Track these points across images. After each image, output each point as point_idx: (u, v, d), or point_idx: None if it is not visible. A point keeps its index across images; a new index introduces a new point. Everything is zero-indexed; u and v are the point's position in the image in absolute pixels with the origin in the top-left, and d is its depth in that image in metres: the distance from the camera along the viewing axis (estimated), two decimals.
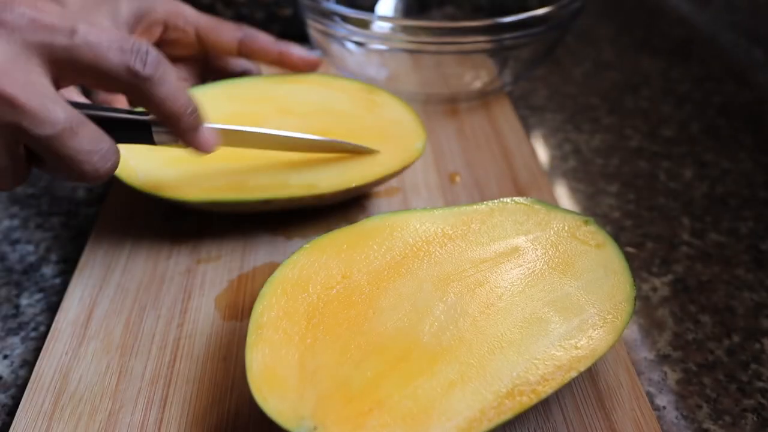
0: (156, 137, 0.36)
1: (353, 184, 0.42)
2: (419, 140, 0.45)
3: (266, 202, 0.41)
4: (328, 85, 0.47)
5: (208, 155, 0.39)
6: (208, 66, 0.50)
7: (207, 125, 0.37)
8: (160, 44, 0.46)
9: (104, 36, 0.32)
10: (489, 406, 0.28)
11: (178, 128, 0.35)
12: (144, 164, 0.42)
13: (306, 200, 0.42)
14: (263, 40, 0.47)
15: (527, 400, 0.29)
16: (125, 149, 0.40)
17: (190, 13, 0.46)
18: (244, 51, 0.47)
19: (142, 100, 0.34)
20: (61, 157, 0.31)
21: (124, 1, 0.43)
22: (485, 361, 0.30)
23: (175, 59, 0.47)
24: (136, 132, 0.36)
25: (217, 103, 0.45)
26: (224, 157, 0.42)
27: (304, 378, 0.29)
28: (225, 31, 0.46)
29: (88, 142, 0.32)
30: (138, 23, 0.44)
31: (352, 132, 0.45)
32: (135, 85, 0.33)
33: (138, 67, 0.32)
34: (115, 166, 0.34)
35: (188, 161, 0.42)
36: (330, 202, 0.44)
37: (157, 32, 0.46)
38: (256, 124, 0.44)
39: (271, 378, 0.29)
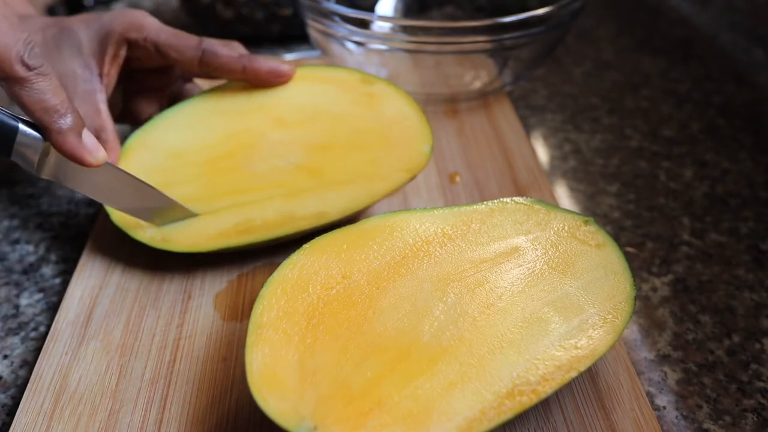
0: (18, 143, 0.34)
1: (363, 206, 0.42)
2: (426, 143, 0.43)
3: (274, 240, 0.41)
4: (322, 79, 0.44)
5: (215, 186, 0.40)
6: (185, 75, 0.49)
7: (89, 136, 0.36)
8: (129, 60, 0.45)
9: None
10: (489, 406, 0.28)
11: (52, 128, 0.34)
12: None
13: (315, 228, 0.42)
14: (224, 55, 0.43)
15: (527, 400, 0.29)
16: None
17: (149, 25, 0.43)
18: (205, 70, 0.44)
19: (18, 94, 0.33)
20: None
21: (81, 33, 0.42)
22: (485, 361, 0.30)
23: (148, 72, 0.46)
24: None
25: (209, 120, 0.43)
26: (229, 189, 0.42)
27: (304, 378, 0.29)
28: (183, 50, 0.43)
29: None
30: (102, 49, 0.42)
31: (353, 139, 0.43)
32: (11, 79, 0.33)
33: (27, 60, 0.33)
34: None
35: (191, 200, 0.41)
36: (336, 223, 0.42)
37: (123, 52, 0.43)
38: (252, 143, 0.43)
39: (271, 378, 0.29)
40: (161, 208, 0.40)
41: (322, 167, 0.42)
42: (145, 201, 0.40)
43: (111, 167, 0.38)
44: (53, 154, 0.36)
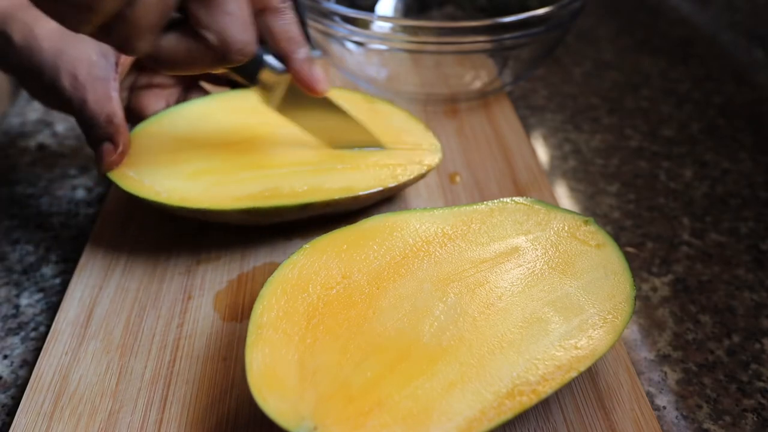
0: (262, 73, 0.38)
1: (389, 184, 0.42)
2: (436, 144, 0.45)
3: (303, 207, 0.40)
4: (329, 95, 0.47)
5: (234, 161, 0.40)
6: (194, 77, 0.49)
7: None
8: None
9: None
10: (489, 406, 0.28)
11: (294, 56, 0.38)
12: (162, 182, 0.40)
13: (342, 203, 0.41)
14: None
15: (527, 400, 0.29)
16: (136, 172, 0.40)
17: None
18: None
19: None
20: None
21: None
22: (485, 361, 0.30)
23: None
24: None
25: (221, 116, 0.44)
26: (252, 164, 0.41)
27: (304, 378, 0.29)
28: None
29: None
30: None
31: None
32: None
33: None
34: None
35: (209, 173, 0.41)
36: (364, 204, 0.44)
37: None
38: (271, 133, 0.43)
39: (271, 378, 0.29)
40: (363, 139, 0.44)
41: (342, 152, 0.43)
42: (351, 136, 0.43)
43: (329, 101, 0.42)
44: (283, 87, 0.40)
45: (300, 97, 0.40)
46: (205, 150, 0.42)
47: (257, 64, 0.38)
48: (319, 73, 0.39)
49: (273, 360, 0.29)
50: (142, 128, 0.43)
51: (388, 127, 0.46)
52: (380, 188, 0.42)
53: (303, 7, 0.55)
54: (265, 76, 0.39)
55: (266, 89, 0.39)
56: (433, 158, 0.45)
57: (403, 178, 0.43)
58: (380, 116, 0.47)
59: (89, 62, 0.41)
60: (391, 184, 0.42)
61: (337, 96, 0.47)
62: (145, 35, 0.30)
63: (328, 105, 0.42)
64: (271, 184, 0.40)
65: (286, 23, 0.38)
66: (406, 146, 0.45)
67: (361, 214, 0.46)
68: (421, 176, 0.44)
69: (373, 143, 0.44)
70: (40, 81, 0.40)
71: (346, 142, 0.44)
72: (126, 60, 0.43)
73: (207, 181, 0.40)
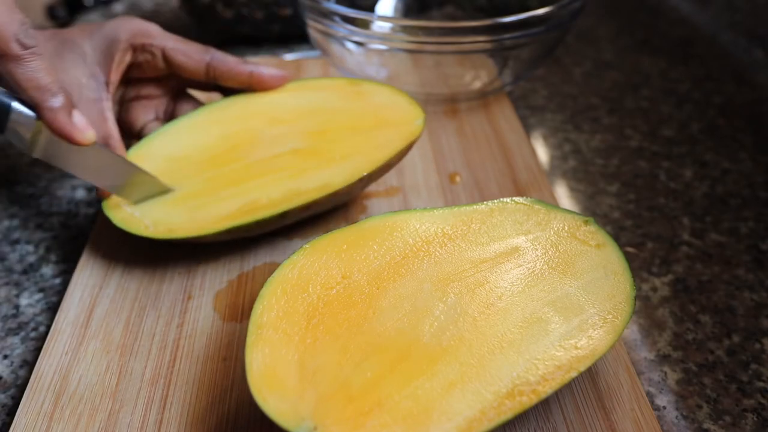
0: (11, 121, 0.35)
1: (365, 172, 0.41)
2: (418, 117, 0.44)
3: (283, 215, 0.40)
4: (311, 87, 0.47)
5: (215, 179, 0.40)
6: (181, 86, 0.49)
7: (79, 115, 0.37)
8: (130, 67, 0.45)
9: None
10: (489, 406, 0.28)
11: (44, 106, 0.35)
12: (149, 213, 0.41)
13: (322, 202, 0.41)
14: (231, 62, 0.45)
15: (527, 400, 0.29)
16: (128, 206, 0.41)
17: (155, 31, 0.44)
18: (212, 74, 0.45)
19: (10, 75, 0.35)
20: None
21: (85, 44, 0.43)
22: (485, 362, 0.30)
23: (146, 80, 0.47)
24: None
25: (207, 127, 0.44)
26: (231, 179, 0.42)
27: (304, 378, 0.29)
28: (192, 54, 0.45)
29: None
30: (108, 58, 0.43)
31: (348, 123, 0.44)
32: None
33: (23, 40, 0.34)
34: None
35: (191, 197, 0.41)
36: (345, 199, 0.44)
37: (127, 58, 0.44)
38: (251, 139, 0.44)
39: (271, 378, 0.29)
40: (145, 184, 0.41)
41: (321, 148, 0.43)
42: (130, 179, 0.41)
43: (99, 147, 0.39)
44: (45, 133, 0.37)
45: (66, 145, 0.37)
46: (190, 169, 0.42)
47: (1, 113, 0.35)
48: (79, 122, 0.37)
49: (273, 360, 0.29)
50: (131, 153, 0.43)
51: (369, 106, 0.45)
52: (356, 180, 0.41)
53: (303, 7, 0.55)
54: (16, 124, 0.35)
55: (24, 137, 0.36)
56: (416, 128, 0.44)
57: (381, 161, 0.42)
58: (362, 97, 0.46)
59: (79, 85, 0.41)
60: (366, 173, 0.41)
61: (318, 84, 0.47)
62: None
63: (101, 152, 0.40)
64: (249, 198, 0.41)
65: (31, 71, 0.35)
66: (387, 123, 0.44)
67: (353, 207, 0.46)
68: (403, 151, 0.43)
69: (161, 189, 0.42)
70: None
71: (130, 192, 0.41)
72: (116, 78, 0.44)
73: (190, 205, 0.41)
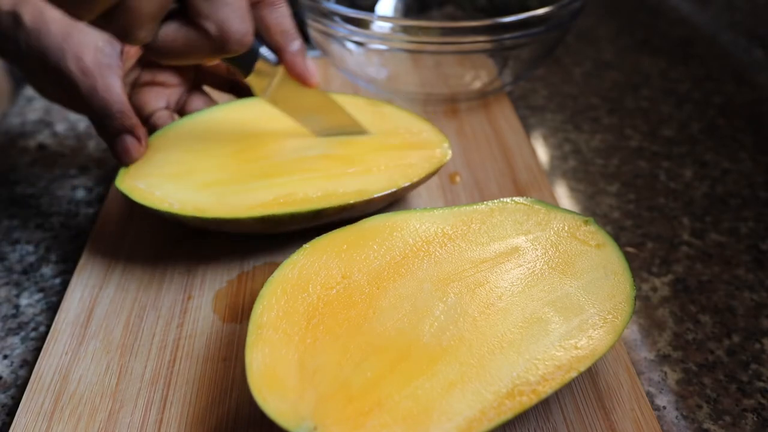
0: (258, 62, 0.39)
1: (403, 184, 0.41)
2: (443, 142, 0.45)
3: (317, 213, 0.39)
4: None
5: (245, 170, 0.41)
6: (198, 78, 0.50)
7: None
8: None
9: None
10: (489, 406, 0.28)
11: (288, 49, 0.39)
12: (174, 194, 0.40)
13: (357, 207, 0.41)
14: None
15: (527, 400, 0.29)
16: (146, 184, 0.40)
17: None
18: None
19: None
20: None
21: None
22: (485, 361, 0.30)
23: (164, 66, 0.47)
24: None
25: (227, 126, 0.44)
26: (262, 173, 0.41)
27: (304, 378, 0.29)
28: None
29: None
30: None
31: (376, 140, 0.45)
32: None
33: None
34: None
35: (219, 183, 0.40)
36: (378, 206, 0.43)
37: None
38: (275, 139, 0.44)
39: (271, 378, 0.29)
40: (348, 126, 0.45)
41: (353, 157, 0.43)
42: (339, 125, 0.44)
43: (320, 92, 0.43)
44: (277, 78, 0.41)
45: (292, 88, 0.41)
46: (213, 161, 0.42)
47: (253, 55, 0.39)
48: (311, 66, 0.40)
49: (273, 360, 0.29)
50: (150, 141, 0.43)
51: (395, 128, 0.46)
52: (394, 189, 0.41)
53: (303, 7, 0.55)
54: (259, 66, 0.39)
55: (260, 80, 0.40)
56: (443, 154, 0.44)
57: (415, 177, 0.42)
58: (385, 118, 0.47)
59: (95, 48, 0.41)
60: (405, 183, 0.41)
61: (341, 99, 0.47)
62: (145, 24, 0.30)
63: (318, 96, 0.43)
64: (284, 191, 0.40)
65: (280, 16, 0.39)
66: (415, 145, 0.45)
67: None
68: (433, 173, 0.43)
69: (359, 130, 0.45)
70: (46, 65, 0.40)
71: (334, 129, 0.44)
72: (130, 51, 0.44)
73: (218, 191, 0.40)
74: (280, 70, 0.40)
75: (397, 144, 0.45)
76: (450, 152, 0.44)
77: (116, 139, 0.41)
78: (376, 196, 0.40)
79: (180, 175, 0.41)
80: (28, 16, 0.40)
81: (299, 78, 0.40)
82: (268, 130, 0.45)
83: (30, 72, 0.42)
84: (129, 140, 0.41)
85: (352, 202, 0.40)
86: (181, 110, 0.48)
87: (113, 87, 0.41)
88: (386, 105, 0.48)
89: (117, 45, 0.42)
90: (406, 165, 0.43)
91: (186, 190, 0.40)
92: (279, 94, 0.42)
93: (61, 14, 0.41)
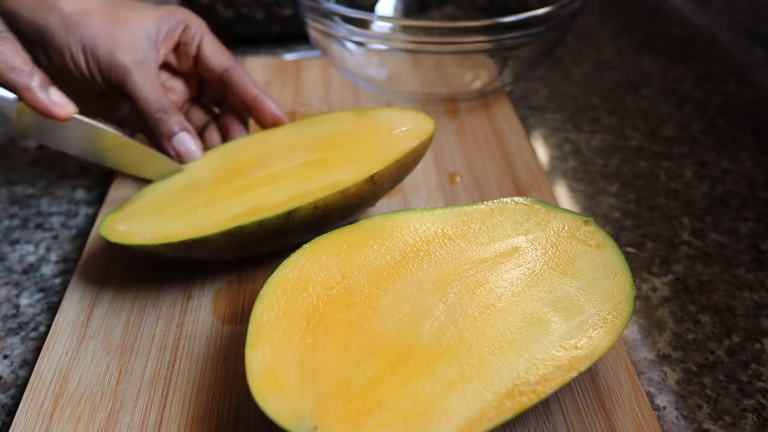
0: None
1: (375, 170, 0.39)
2: (429, 123, 0.43)
3: (288, 216, 0.37)
4: (315, 121, 0.46)
5: (217, 193, 0.40)
6: (199, 90, 0.50)
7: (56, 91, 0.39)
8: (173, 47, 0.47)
9: None
10: (489, 406, 0.28)
11: (19, 86, 0.37)
12: (147, 228, 0.39)
13: (331, 203, 0.38)
14: (247, 79, 0.46)
15: (527, 401, 0.29)
16: (126, 224, 0.39)
17: (203, 23, 0.47)
18: (226, 80, 0.46)
19: None
20: None
21: (149, 10, 0.45)
22: (485, 361, 0.30)
23: (173, 73, 0.48)
24: None
25: (208, 161, 0.44)
26: (234, 191, 0.40)
27: (304, 378, 0.29)
28: (220, 53, 0.47)
29: None
30: (162, 29, 0.45)
31: (355, 136, 0.43)
32: None
33: None
34: None
35: (192, 209, 0.40)
36: (357, 205, 0.41)
37: (176, 34, 0.46)
38: (257, 159, 0.43)
39: (271, 378, 0.29)
40: (144, 157, 0.43)
41: (329, 157, 0.42)
42: (121, 152, 0.42)
43: (81, 120, 0.40)
44: (29, 114, 0.38)
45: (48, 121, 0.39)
46: (190, 191, 0.42)
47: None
48: (56, 98, 0.38)
49: (273, 360, 0.29)
50: (135, 196, 0.42)
51: (377, 122, 0.44)
52: (367, 176, 0.39)
53: (303, 7, 0.55)
54: (1, 109, 0.37)
55: (8, 120, 0.38)
56: (423, 132, 0.42)
57: (391, 160, 0.40)
58: (369, 116, 0.45)
59: (135, 43, 0.43)
60: (376, 170, 0.39)
61: (325, 116, 0.46)
62: None
63: (85, 124, 0.40)
64: (253, 202, 0.39)
65: (2, 53, 0.37)
66: (396, 135, 0.43)
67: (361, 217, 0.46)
68: (415, 152, 0.41)
69: (167, 167, 0.43)
70: (95, 54, 0.42)
71: (136, 167, 0.44)
72: (164, 50, 0.45)
73: (190, 216, 0.39)
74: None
75: (379, 135, 0.43)
76: (432, 127, 0.42)
77: (172, 137, 0.43)
78: (347, 186, 0.38)
79: (157, 211, 0.40)
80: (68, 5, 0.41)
81: (45, 115, 0.38)
82: (250, 153, 0.44)
83: (73, 58, 0.42)
84: (184, 137, 0.43)
85: (323, 196, 0.38)
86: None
87: (157, 83, 0.43)
88: (374, 109, 0.45)
89: (154, 41, 0.44)
90: (384, 149, 0.41)
91: (159, 222, 0.39)
92: (39, 130, 0.40)
93: (101, 6, 0.43)
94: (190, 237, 0.37)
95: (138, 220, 0.40)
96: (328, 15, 0.53)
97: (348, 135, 0.44)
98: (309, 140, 0.44)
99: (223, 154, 0.45)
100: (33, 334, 0.40)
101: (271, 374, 0.29)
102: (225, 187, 0.41)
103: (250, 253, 0.41)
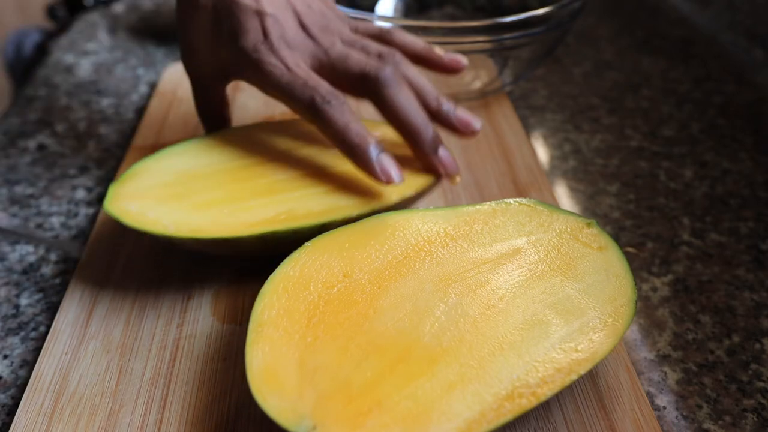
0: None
1: (409, 194, 0.40)
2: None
3: (322, 227, 0.37)
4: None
5: (241, 190, 0.39)
6: None
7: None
8: None
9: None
10: (488, 408, 0.28)
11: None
12: (168, 215, 0.37)
13: (362, 216, 0.39)
14: (408, 36, 0.44)
15: (527, 403, 0.29)
16: (139, 206, 0.38)
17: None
18: (389, 43, 0.44)
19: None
20: None
21: None
22: (485, 363, 0.30)
23: None
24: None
25: (219, 150, 0.43)
26: (260, 191, 0.39)
27: (303, 377, 0.29)
28: (368, 26, 0.45)
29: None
30: None
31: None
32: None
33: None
34: None
35: (216, 203, 0.38)
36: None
37: None
38: (269, 158, 0.42)
39: (271, 377, 0.29)
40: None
41: (355, 174, 0.41)
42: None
43: None
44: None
45: None
46: (208, 182, 0.40)
47: None
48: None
49: (273, 359, 0.29)
50: (141, 165, 0.41)
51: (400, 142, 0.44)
52: (398, 200, 0.40)
53: None
54: None
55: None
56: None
57: (421, 186, 0.41)
58: (389, 134, 0.45)
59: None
60: (409, 193, 0.40)
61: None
62: None
63: None
64: (285, 207, 0.38)
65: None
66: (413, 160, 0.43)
67: None
68: (433, 186, 0.42)
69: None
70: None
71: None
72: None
73: (215, 211, 0.38)
74: None
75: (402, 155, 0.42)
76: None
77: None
78: (378, 207, 0.39)
79: (174, 196, 0.39)
80: None
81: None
82: (263, 149, 0.43)
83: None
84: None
85: (355, 214, 0.38)
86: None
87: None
88: (385, 126, 0.45)
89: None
90: (408, 174, 0.41)
91: (180, 212, 0.38)
92: None
93: None
94: (222, 236, 0.36)
95: (152, 203, 0.38)
96: None
97: None
98: (322, 142, 0.44)
99: (234, 139, 0.44)
100: (33, 334, 0.40)
101: (271, 373, 0.29)
102: (248, 184, 0.40)
103: (270, 254, 0.40)
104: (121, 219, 0.37)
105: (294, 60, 0.40)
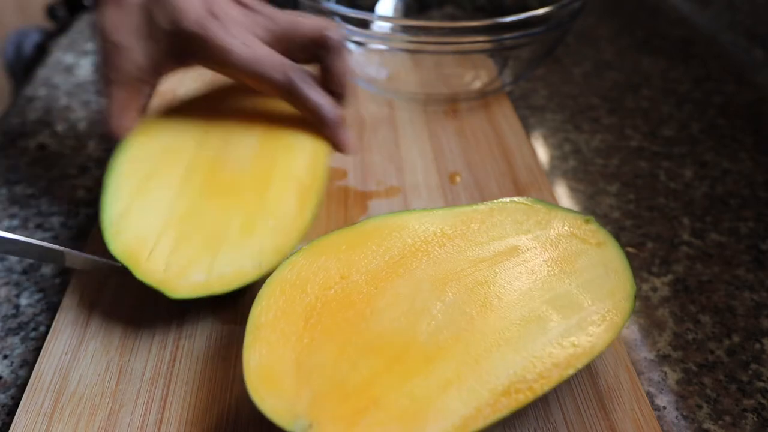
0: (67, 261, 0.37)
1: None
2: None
3: None
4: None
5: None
6: None
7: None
8: None
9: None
10: (485, 404, 0.28)
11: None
12: (212, 267, 0.36)
13: None
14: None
15: (524, 398, 0.29)
16: (159, 263, 0.36)
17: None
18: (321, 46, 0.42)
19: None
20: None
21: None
22: (482, 360, 0.30)
23: None
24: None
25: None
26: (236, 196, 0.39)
27: (300, 377, 0.29)
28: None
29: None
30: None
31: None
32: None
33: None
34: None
35: (243, 242, 0.37)
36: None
37: None
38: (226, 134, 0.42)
39: (268, 377, 0.29)
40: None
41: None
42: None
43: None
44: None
45: None
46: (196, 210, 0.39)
47: None
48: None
49: (270, 360, 0.29)
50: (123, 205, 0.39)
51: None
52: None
53: (303, 7, 0.55)
54: None
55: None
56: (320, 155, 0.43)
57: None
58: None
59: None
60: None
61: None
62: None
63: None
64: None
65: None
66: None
67: (353, 208, 0.46)
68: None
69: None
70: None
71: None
72: None
73: (225, 251, 0.37)
74: None
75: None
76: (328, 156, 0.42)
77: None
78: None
79: (208, 241, 0.37)
80: None
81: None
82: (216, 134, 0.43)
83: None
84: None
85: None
86: None
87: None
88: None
89: None
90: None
91: (220, 262, 0.36)
92: None
93: None
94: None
95: (167, 252, 0.36)
96: (328, 15, 0.53)
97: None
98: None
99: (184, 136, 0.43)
100: (33, 334, 0.40)
101: (268, 374, 0.29)
102: (217, 184, 0.40)
103: None
104: (162, 289, 0.35)
105: (247, 36, 0.40)
